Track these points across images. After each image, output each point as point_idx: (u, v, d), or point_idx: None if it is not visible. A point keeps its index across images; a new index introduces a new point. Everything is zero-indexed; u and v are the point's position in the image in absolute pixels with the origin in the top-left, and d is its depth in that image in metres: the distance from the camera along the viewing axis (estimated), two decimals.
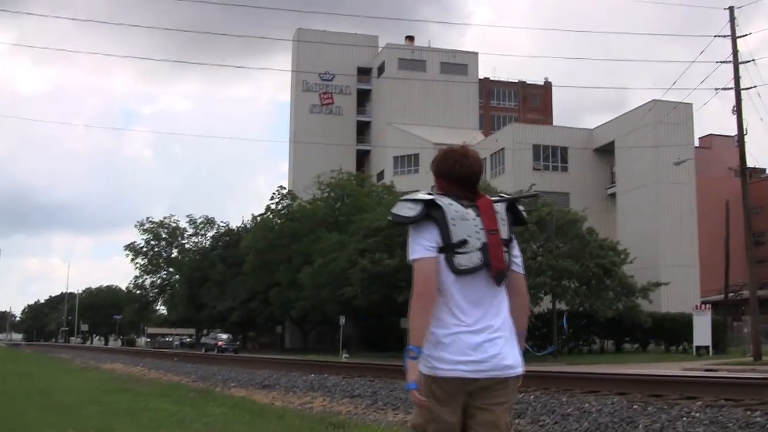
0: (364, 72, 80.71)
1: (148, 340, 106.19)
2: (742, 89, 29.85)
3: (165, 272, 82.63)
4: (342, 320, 44.68)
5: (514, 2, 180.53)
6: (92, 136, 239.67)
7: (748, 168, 31.86)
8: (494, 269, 3.27)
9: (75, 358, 40.90)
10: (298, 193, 61.15)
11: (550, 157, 58.24)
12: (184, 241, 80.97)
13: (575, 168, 58.07)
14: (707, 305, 38.12)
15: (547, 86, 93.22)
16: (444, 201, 3.30)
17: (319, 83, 78.76)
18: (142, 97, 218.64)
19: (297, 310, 53.61)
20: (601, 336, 44.15)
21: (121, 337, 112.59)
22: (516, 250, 3.41)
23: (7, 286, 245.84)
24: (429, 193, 3.35)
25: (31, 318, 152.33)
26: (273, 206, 60.84)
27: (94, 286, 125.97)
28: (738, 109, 29.70)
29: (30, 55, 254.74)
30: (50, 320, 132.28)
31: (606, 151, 57.40)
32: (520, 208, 3.47)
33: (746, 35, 31.25)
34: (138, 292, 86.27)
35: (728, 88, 30.22)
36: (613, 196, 57.11)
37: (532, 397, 11.40)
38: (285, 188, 64.21)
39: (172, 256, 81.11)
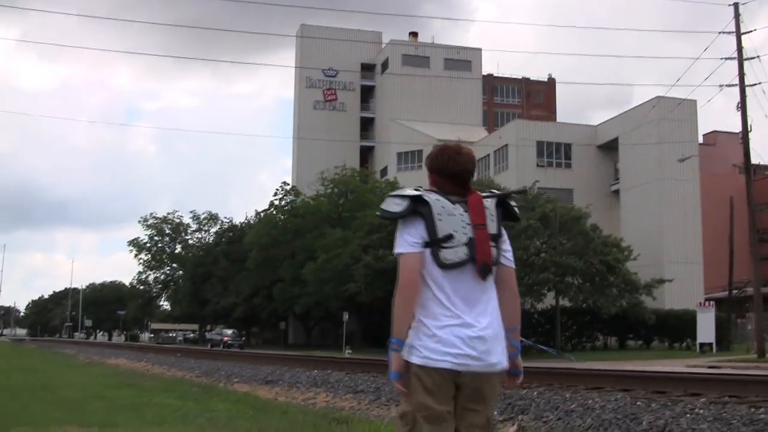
0: (367, 68, 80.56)
1: (152, 335, 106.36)
2: (747, 86, 29.81)
3: (168, 268, 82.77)
4: (345, 316, 44.69)
5: None
6: (96, 132, 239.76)
7: (753, 165, 31.85)
8: (479, 263, 3.32)
9: (79, 353, 40.95)
10: (301, 189, 61.21)
11: (554, 153, 58.17)
12: (187, 237, 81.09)
13: (579, 164, 57.99)
14: (711, 302, 38.05)
15: (551, 83, 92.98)
16: (431, 197, 3.37)
17: (322, 79, 78.71)
18: (146, 93, 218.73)
19: (300, 306, 53.69)
20: (605, 333, 44.13)
21: (125, 332, 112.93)
22: (506, 245, 3.46)
23: (12, 282, 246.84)
24: (417, 189, 3.42)
25: (35, 313, 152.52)
26: (276, 202, 60.85)
27: (98, 281, 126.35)
28: (742, 106, 29.67)
29: (34, 52, 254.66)
30: (54, 316, 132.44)
31: (610, 148, 57.32)
32: (512, 203, 3.52)
33: (751, 32, 31.10)
34: (141, 287, 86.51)
35: (733, 85, 30.20)
36: (616, 192, 57.06)
37: (535, 393, 11.38)
38: (288, 184, 64.30)
39: (176, 251, 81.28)
